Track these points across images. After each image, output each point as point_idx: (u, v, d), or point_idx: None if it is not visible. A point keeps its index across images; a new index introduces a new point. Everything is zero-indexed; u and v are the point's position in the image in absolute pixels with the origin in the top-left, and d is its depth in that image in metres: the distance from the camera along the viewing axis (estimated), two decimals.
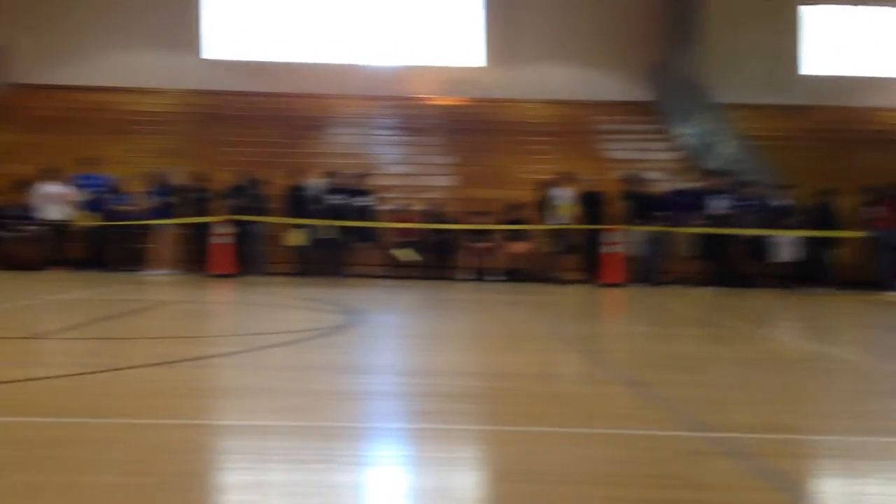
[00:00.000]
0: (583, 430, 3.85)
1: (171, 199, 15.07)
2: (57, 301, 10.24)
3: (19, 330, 7.61)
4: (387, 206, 16.01)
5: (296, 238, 14.95)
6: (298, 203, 15.03)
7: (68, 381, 4.85)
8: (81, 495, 2.80)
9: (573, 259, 15.15)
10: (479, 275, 14.70)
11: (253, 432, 3.73)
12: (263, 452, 3.41)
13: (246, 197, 15.02)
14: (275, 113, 21.14)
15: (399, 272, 14.96)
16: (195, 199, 15.11)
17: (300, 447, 3.53)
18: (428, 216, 15.57)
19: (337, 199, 15.04)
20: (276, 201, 15.32)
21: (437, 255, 15.13)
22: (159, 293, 11.74)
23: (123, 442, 3.50)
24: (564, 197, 14.93)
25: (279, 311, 10.02)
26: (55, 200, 15.11)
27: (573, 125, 21.37)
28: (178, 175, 15.57)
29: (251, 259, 14.74)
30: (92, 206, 15.25)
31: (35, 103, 21.51)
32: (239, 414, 4.18)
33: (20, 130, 20.10)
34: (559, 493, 2.91)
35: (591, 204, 14.97)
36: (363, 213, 15.06)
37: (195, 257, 14.64)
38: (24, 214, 15.24)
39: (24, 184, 15.54)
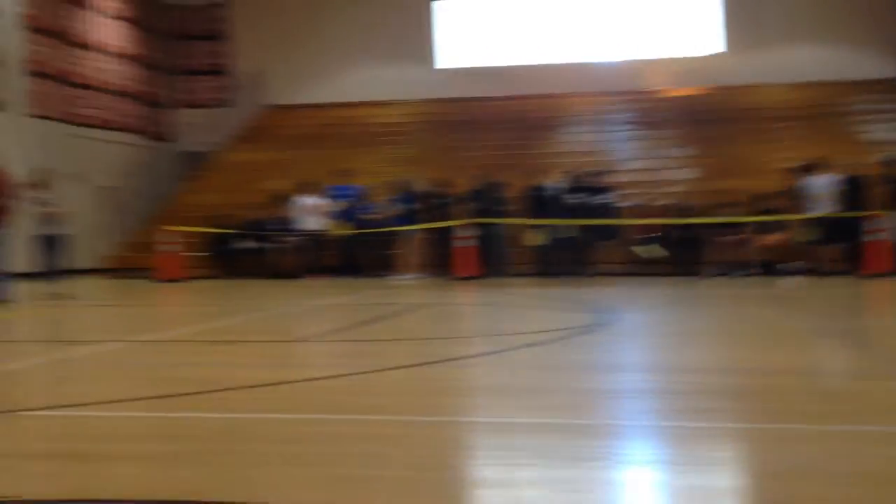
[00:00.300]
0: (868, 428, 3.58)
1: (415, 205, 15.60)
2: (318, 306, 10.88)
3: (287, 334, 8.14)
4: (627, 203, 15.74)
5: (535, 238, 15.04)
6: (538, 203, 15.10)
7: (338, 382, 5.12)
8: (374, 488, 2.92)
9: (833, 249, 14.21)
10: (729, 269, 14.11)
11: (523, 430, 3.76)
12: (537, 450, 3.42)
13: (486, 200, 15.29)
14: (509, 116, 21.39)
15: (643, 269, 14.66)
16: (437, 204, 15.56)
17: (574, 445, 3.51)
18: (671, 211, 15.17)
19: (576, 198, 14.98)
20: (516, 203, 15.48)
21: (682, 251, 14.68)
22: (410, 297, 12.17)
23: (404, 438, 3.63)
24: (820, 184, 14.03)
25: (527, 311, 10.10)
26: (311, 212, 16.07)
27: (824, 107, 20.08)
28: (421, 182, 16.10)
29: (494, 261, 14.98)
30: (344, 215, 16.09)
31: (287, 122, 23.03)
32: (505, 411, 4.22)
33: (276, 149, 21.59)
34: (854, 496, 2.71)
35: (851, 189, 13.99)
36: (603, 210, 14.90)
37: (440, 261, 15.07)
38: (283, 226, 16.33)
39: (282, 198, 16.65)
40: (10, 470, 3.25)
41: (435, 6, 23.66)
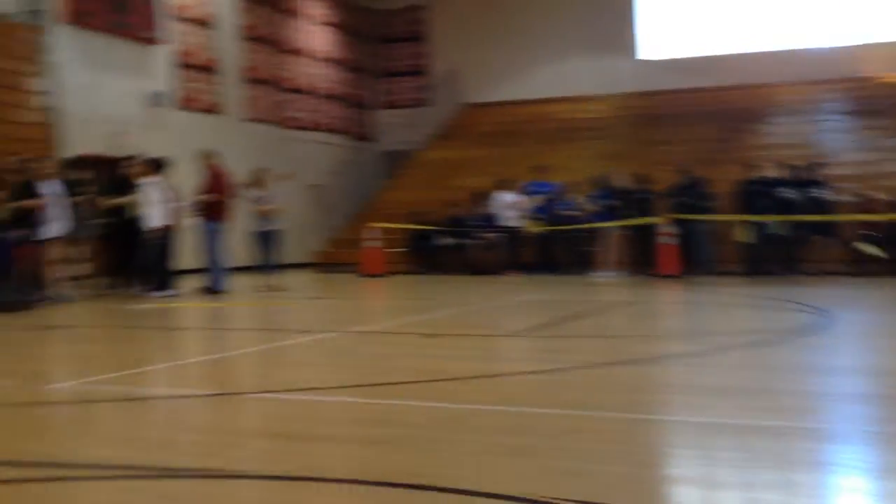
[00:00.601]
0: None
1: (615, 201, 15.32)
2: (518, 302, 10.88)
3: (491, 328, 8.18)
4: (845, 198, 14.78)
5: (744, 235, 14.40)
6: (745, 198, 14.45)
7: (547, 376, 5.07)
8: (596, 483, 2.85)
9: None
10: None
11: (745, 432, 3.57)
12: (766, 452, 3.24)
13: (689, 195, 14.79)
14: (714, 108, 20.62)
15: (863, 268, 13.72)
16: (638, 200, 15.21)
17: (805, 449, 3.30)
18: (891, 206, 14.12)
19: (787, 193, 14.22)
20: (721, 198, 14.89)
21: None
22: (610, 294, 11.97)
23: (621, 434, 3.53)
24: None
25: (735, 310, 9.68)
26: (509, 208, 16.13)
27: None
28: (620, 177, 15.80)
29: (697, 258, 14.47)
30: (541, 212, 16.05)
31: (485, 120, 23.25)
32: (724, 412, 4.03)
33: (472, 146, 21.85)
34: None
35: None
36: (817, 205, 14.06)
37: (641, 258, 14.72)
38: (482, 223, 16.49)
39: (481, 195, 16.82)
40: (235, 446, 3.42)
41: None
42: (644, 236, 14.58)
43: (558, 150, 19.78)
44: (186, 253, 12.88)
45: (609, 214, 15.10)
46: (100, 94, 15.57)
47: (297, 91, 21.57)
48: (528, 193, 16.31)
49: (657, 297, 11.58)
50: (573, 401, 4.24)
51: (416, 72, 24.77)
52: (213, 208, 12.02)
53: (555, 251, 15.95)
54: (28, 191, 10.24)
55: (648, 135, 20.04)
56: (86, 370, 5.74)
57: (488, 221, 16.32)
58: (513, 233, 15.95)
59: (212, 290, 11.80)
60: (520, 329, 8.03)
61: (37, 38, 13.99)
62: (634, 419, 3.86)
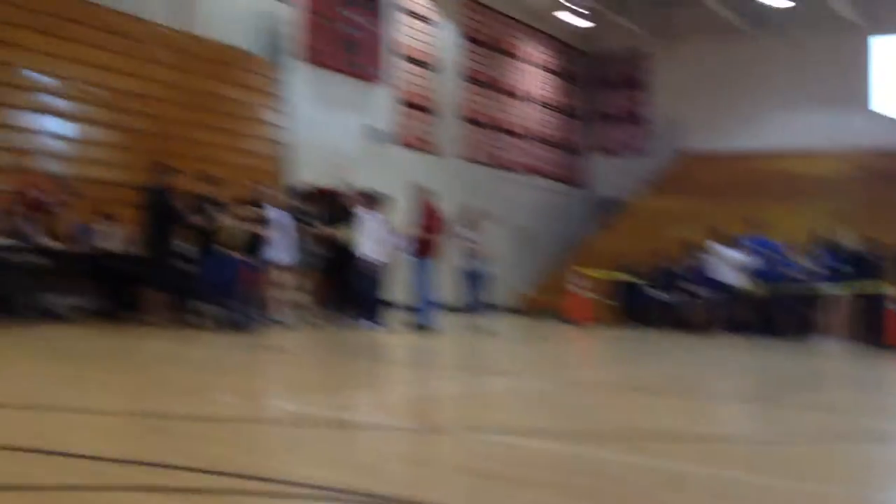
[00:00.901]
0: None
1: (843, 264, 14.36)
2: (734, 365, 10.37)
3: (705, 390, 7.79)
4: None
5: None
6: None
7: (762, 447, 4.74)
8: None
9: None
10: None
11: None
12: None
13: None
14: None
15: None
16: (868, 264, 14.18)
17: None
18: None
19: None
20: None
21: None
22: (833, 363, 11.18)
23: None
24: None
25: None
26: (726, 265, 15.41)
27: None
28: (850, 239, 14.80)
29: None
30: (760, 271, 15.23)
31: (704, 170, 22.55)
32: None
33: (688, 196, 21.24)
34: None
35: None
36: None
37: (867, 327, 13.68)
38: (695, 277, 15.89)
39: (695, 248, 16.23)
40: (438, 480, 3.39)
41: (873, 42, 21.87)
42: (872, 304, 13.56)
43: (779, 206, 18.90)
44: (397, 287, 13.20)
45: (836, 277, 14.17)
46: (325, 129, 16.39)
47: (511, 133, 21.82)
48: (747, 250, 15.55)
49: (885, 369, 10.69)
50: (789, 473, 3.91)
51: (634, 118, 24.47)
52: (424, 244, 12.25)
53: (774, 313, 15.08)
54: (257, 217, 10.83)
55: (883, 194, 18.76)
56: (299, 393, 5.93)
57: (702, 276, 15.71)
58: (729, 290, 15.23)
59: (420, 326, 12.00)
60: (735, 393, 7.61)
61: (274, 73, 14.91)
62: (863, 498, 3.50)
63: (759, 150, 22.22)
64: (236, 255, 9.97)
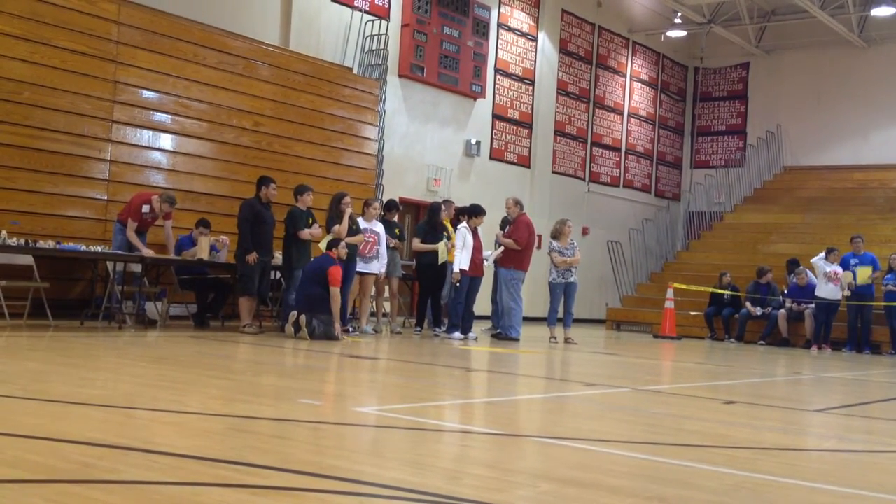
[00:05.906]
0: None
1: None
2: (827, 379, 10.12)
3: (796, 402, 7.65)
4: None
5: None
6: None
7: (851, 456, 4.66)
8: None
9: None
10: None
11: None
12: None
13: None
14: None
15: None
16: None
17: None
18: None
19: None
20: None
21: None
22: None
23: None
24: None
25: None
26: (823, 279, 15.01)
27: None
28: None
29: None
30: (860, 286, 14.78)
31: (802, 184, 22.04)
32: None
33: (787, 210, 20.76)
34: None
35: None
36: None
37: None
38: (790, 292, 15.56)
39: (792, 262, 15.86)
40: (519, 485, 3.44)
41: None
42: None
43: (883, 221, 18.33)
44: (485, 298, 13.28)
45: None
46: (421, 142, 16.64)
47: (606, 146, 21.71)
48: (845, 265, 15.13)
49: None
50: (881, 484, 3.85)
51: (733, 132, 24.06)
52: (515, 256, 12.32)
53: (870, 328, 14.67)
54: (354, 227, 11.08)
55: None
56: (385, 398, 6.07)
57: (800, 290, 15.35)
58: (826, 304, 14.85)
59: (506, 336, 12.06)
60: (825, 405, 7.45)
61: (372, 89, 15.23)
62: None
63: (860, 164, 21.61)
64: (330, 265, 10.19)
